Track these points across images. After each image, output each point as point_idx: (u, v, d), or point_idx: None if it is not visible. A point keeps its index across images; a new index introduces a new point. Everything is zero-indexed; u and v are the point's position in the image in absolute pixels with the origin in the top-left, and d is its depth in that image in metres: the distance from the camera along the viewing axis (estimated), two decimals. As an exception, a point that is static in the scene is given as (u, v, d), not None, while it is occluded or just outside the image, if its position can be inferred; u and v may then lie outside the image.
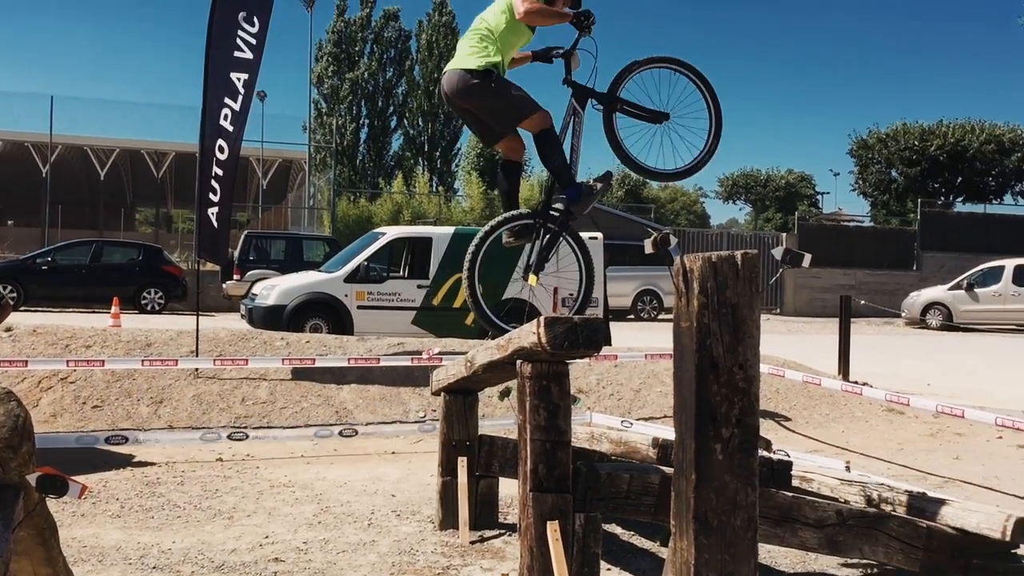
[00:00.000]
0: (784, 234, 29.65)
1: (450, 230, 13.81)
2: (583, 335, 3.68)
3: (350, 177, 40.63)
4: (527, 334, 3.84)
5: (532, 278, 4.76)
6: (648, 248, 4.01)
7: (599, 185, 4.88)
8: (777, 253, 3.81)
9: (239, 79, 8.58)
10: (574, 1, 4.93)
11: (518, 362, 3.97)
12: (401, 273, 13.24)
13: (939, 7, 77.75)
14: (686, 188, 53.51)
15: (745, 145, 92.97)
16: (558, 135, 4.78)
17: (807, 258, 3.92)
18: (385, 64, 44.78)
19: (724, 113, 4.95)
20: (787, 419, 9.23)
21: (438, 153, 45.25)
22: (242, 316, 13.82)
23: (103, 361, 8.12)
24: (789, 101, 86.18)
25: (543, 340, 3.68)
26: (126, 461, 6.88)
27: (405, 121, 45.00)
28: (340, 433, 7.74)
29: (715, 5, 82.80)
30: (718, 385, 2.54)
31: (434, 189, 36.86)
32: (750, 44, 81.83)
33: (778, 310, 27.96)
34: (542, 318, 3.76)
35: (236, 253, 21.03)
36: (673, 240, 3.74)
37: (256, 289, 13.62)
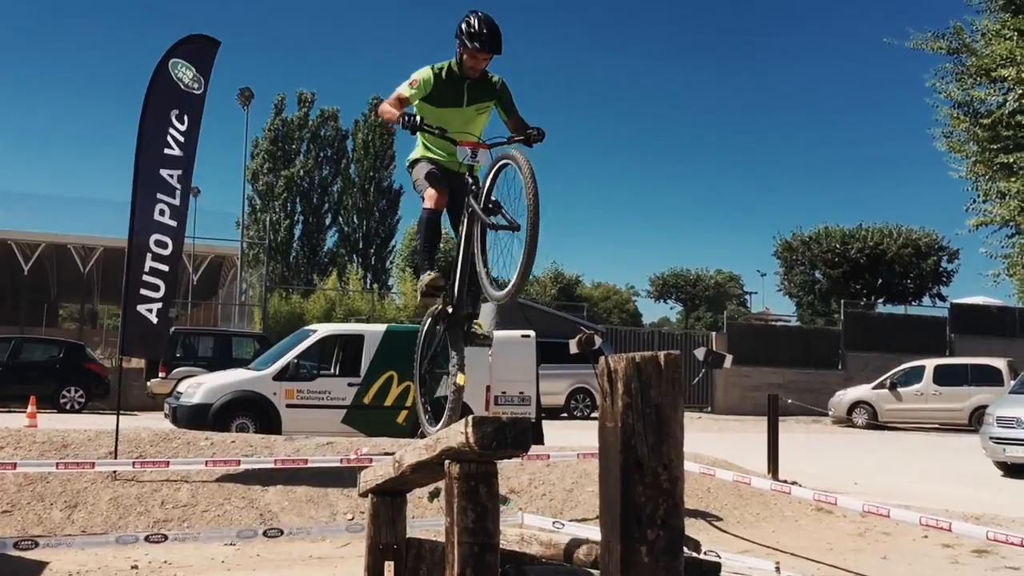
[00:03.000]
0: (714, 333, 30.16)
1: (382, 327, 13.74)
2: (511, 435, 3.67)
3: (283, 273, 40.38)
4: (455, 434, 3.81)
5: (460, 376, 4.73)
6: (573, 348, 4.05)
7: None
8: (699, 354, 3.90)
9: (171, 175, 8.56)
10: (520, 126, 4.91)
11: (446, 462, 3.93)
12: (332, 371, 13.07)
13: (857, 128, 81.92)
14: (619, 287, 54.36)
15: (675, 246, 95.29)
16: (427, 222, 4.83)
17: (728, 359, 4.02)
18: (321, 162, 45.15)
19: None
20: (718, 519, 9.22)
21: (372, 250, 45.40)
22: (166, 415, 13.42)
23: (15, 464, 7.78)
24: (717, 203, 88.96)
25: (471, 440, 3.65)
26: (36, 569, 6.53)
27: (340, 218, 45.18)
28: (264, 534, 7.48)
29: (639, 108, 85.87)
30: (643, 486, 2.54)
31: (367, 286, 36.79)
32: (676, 147, 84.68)
33: (709, 408, 28.21)
34: (470, 417, 3.74)
35: (162, 350, 20.53)
36: (598, 340, 3.79)
37: (181, 387, 13.29)
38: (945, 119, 13.91)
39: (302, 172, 43.97)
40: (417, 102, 4.93)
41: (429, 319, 5.11)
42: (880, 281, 37.30)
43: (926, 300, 37.97)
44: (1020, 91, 12.34)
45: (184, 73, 8.93)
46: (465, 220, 4.75)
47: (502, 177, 4.48)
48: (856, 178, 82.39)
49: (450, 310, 4.87)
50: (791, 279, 40.87)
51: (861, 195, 79.74)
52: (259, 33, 74.32)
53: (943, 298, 37.45)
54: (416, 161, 5.09)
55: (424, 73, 4.94)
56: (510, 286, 4.15)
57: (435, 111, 4.91)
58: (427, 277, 4.69)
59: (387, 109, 4.84)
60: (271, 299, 27.57)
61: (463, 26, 4.80)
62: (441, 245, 5.06)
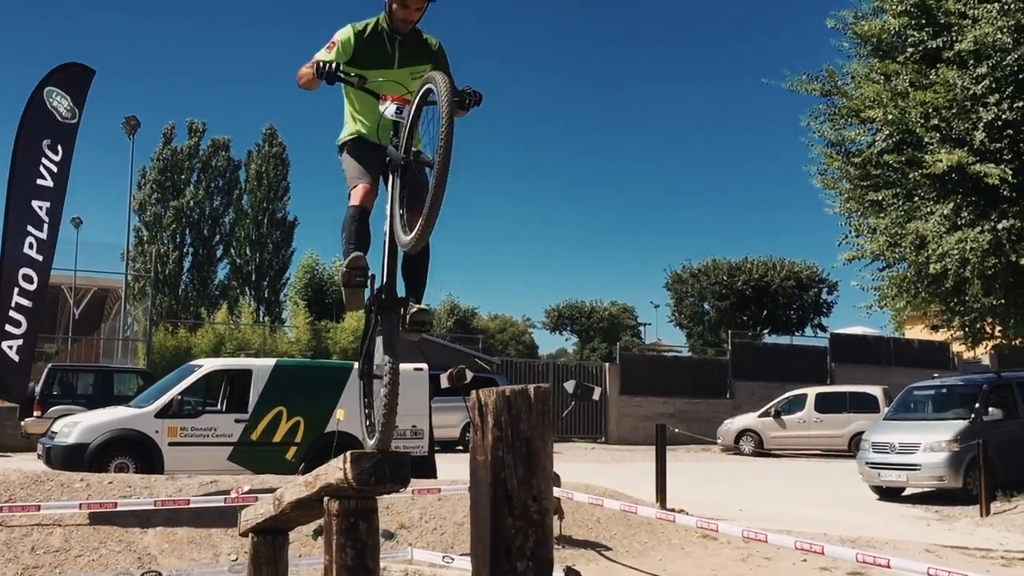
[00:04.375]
0: (607, 364, 30.60)
1: (271, 362, 13.46)
2: (390, 470, 3.66)
3: (171, 307, 39.13)
4: (334, 470, 3.78)
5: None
6: (444, 383, 4.07)
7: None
8: (569, 387, 3.96)
9: (41, 207, 8.27)
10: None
11: (325, 499, 3.89)
12: (218, 407, 12.71)
13: (745, 163, 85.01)
14: (515, 318, 54.68)
15: (570, 278, 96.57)
16: (352, 219, 4.25)
17: (597, 391, 4.07)
18: (213, 193, 44.11)
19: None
20: (607, 548, 9.32)
21: (266, 283, 44.45)
22: (39, 456, 12.78)
23: None
24: (612, 235, 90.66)
25: (349, 476, 3.63)
26: None
27: (232, 250, 44.15)
28: (141, 580, 7.21)
29: (543, 144, 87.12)
30: (512, 518, 2.57)
31: (260, 319, 35.99)
32: (571, 185, 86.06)
33: (603, 439, 28.54)
34: (348, 453, 3.72)
35: (38, 388, 19.58)
36: (469, 374, 3.82)
37: (56, 427, 12.69)
38: (819, 157, 14.58)
39: (192, 203, 42.83)
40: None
41: (357, 308, 4.46)
42: (765, 312, 38.63)
43: (808, 331, 39.46)
44: (887, 131, 13.03)
45: (59, 102, 8.68)
46: (389, 181, 4.23)
47: (424, 117, 3.97)
48: (742, 211, 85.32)
49: (382, 294, 4.18)
50: (681, 311, 41.93)
51: (747, 229, 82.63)
52: (146, 62, 72.42)
53: (824, 328, 39.03)
54: (343, 145, 4.54)
55: (344, 33, 4.37)
56: (415, 229, 3.67)
57: (357, 70, 4.31)
58: (348, 259, 4.09)
59: (303, 72, 4.32)
60: (156, 333, 26.67)
61: None
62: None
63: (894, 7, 13.13)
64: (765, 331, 39.20)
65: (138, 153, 41.59)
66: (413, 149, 4.02)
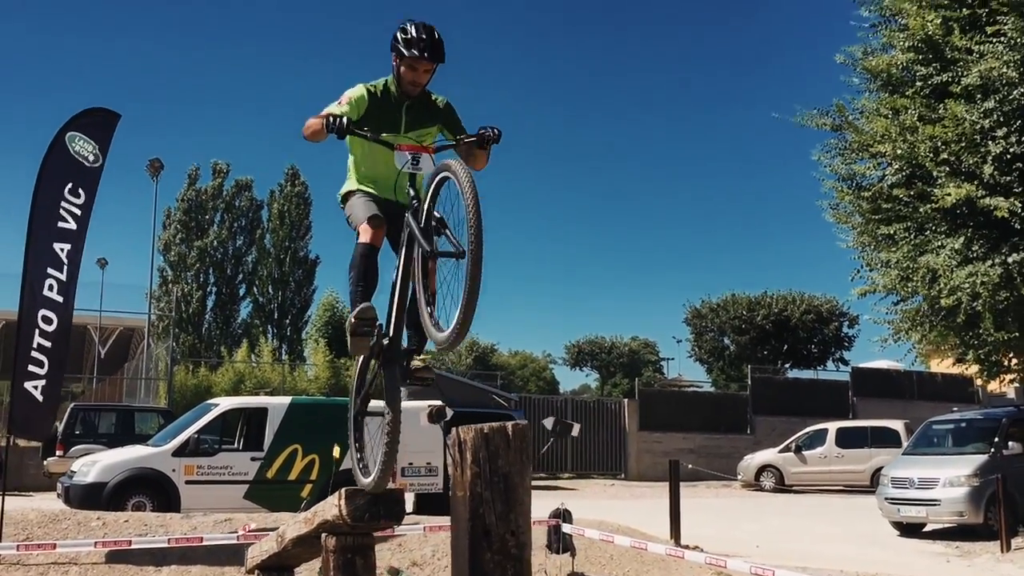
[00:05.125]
0: (627, 400, 30.49)
1: (287, 400, 13.61)
2: (384, 507, 3.75)
3: (194, 345, 39.52)
4: (330, 507, 3.87)
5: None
6: (423, 420, 4.16)
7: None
8: (548, 424, 4.01)
9: (62, 249, 8.48)
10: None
11: (323, 536, 3.97)
12: (235, 445, 12.84)
13: (762, 196, 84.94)
14: (535, 354, 54.64)
15: (591, 314, 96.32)
16: (361, 258, 4.16)
17: (576, 427, 4.08)
18: (236, 232, 44.68)
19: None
20: (620, 585, 9.31)
21: (288, 321, 44.80)
22: (59, 495, 12.94)
23: None
24: (632, 270, 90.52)
25: (344, 513, 3.71)
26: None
27: (255, 289, 44.58)
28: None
29: (562, 182, 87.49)
30: (491, 552, 2.65)
31: (281, 357, 36.24)
32: (589, 213, 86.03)
33: (623, 475, 28.38)
34: (343, 490, 3.81)
35: (61, 427, 19.82)
36: (449, 412, 3.91)
37: (75, 466, 12.87)
38: (831, 192, 14.64)
39: (216, 242, 43.41)
40: None
41: (362, 355, 4.38)
42: (786, 347, 38.40)
43: (830, 364, 39.17)
44: (897, 166, 13.08)
45: (82, 147, 8.93)
46: (404, 240, 4.08)
47: (445, 191, 3.81)
48: (760, 245, 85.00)
49: (385, 342, 4.11)
50: (701, 345, 41.76)
51: (766, 262, 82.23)
52: (171, 103, 73.75)
53: (845, 362, 38.74)
54: (349, 195, 4.49)
55: (356, 92, 4.32)
56: (452, 327, 3.45)
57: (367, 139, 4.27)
58: (356, 310, 3.98)
59: (311, 123, 4.20)
60: (177, 372, 26.94)
61: (399, 34, 4.24)
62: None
63: (902, 43, 13.25)
64: (786, 365, 38.96)
65: (162, 194, 42.37)
66: (436, 215, 3.79)
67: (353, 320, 3.97)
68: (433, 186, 3.82)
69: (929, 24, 12.53)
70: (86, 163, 8.99)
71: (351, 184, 4.51)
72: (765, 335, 38.22)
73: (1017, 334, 12.28)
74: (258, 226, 45.24)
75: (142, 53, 72.20)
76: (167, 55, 73.01)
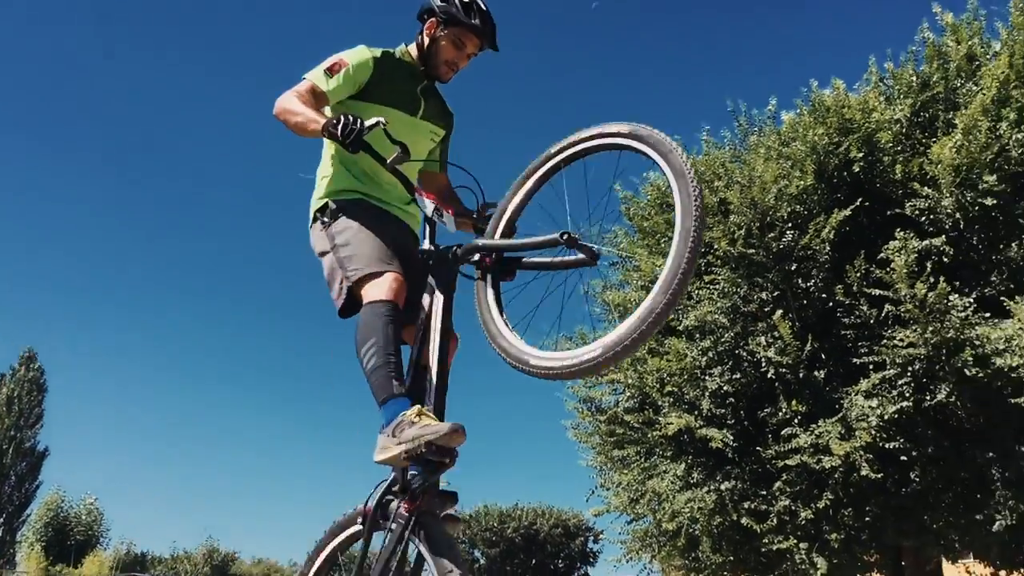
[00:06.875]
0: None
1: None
2: None
3: None
4: None
5: None
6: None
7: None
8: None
9: None
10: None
11: None
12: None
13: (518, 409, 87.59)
14: (280, 563, 51.33)
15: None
16: (384, 322, 2.79)
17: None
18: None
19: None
20: None
21: (2, 519, 40.03)
22: None
23: None
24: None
25: None
26: None
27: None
28: None
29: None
30: None
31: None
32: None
33: None
34: None
35: None
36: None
37: None
38: (573, 412, 15.53)
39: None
40: (344, 98, 3.10)
41: (359, 523, 2.82)
42: (534, 560, 38.71)
43: (576, 580, 39.73)
44: (629, 393, 14.18)
45: None
46: (433, 301, 2.83)
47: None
48: (514, 457, 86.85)
49: (412, 480, 2.71)
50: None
51: (519, 476, 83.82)
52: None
53: (590, 578, 39.48)
54: (344, 205, 3.05)
55: (359, 55, 3.13)
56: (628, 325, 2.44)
57: (372, 109, 3.08)
58: (412, 412, 2.57)
59: (296, 109, 2.91)
60: None
61: None
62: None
63: (635, 282, 14.71)
64: (534, 581, 39.10)
65: None
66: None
67: (413, 438, 2.49)
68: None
69: (657, 268, 14.04)
70: None
71: (343, 182, 3.13)
72: (514, 548, 38.43)
73: (732, 557, 13.20)
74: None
75: None
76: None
